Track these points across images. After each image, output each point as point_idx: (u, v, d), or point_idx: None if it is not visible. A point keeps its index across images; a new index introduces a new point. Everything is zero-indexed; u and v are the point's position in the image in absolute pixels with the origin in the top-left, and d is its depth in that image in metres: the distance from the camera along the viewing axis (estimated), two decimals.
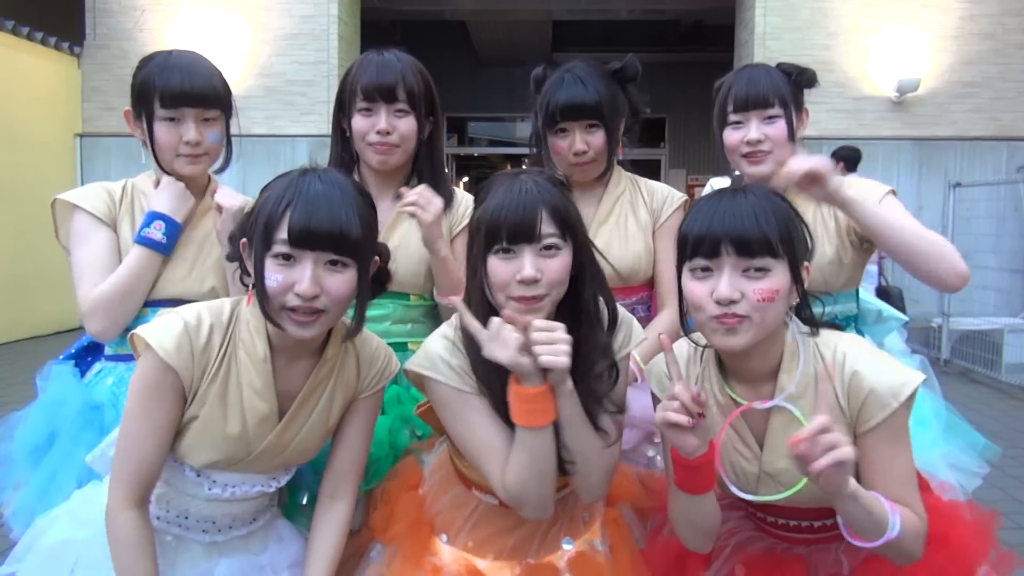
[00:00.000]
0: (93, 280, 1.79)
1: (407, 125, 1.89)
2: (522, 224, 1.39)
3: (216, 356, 1.42)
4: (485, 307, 1.45)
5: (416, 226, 1.93)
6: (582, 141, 1.98)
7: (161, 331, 1.39)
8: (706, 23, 11.25)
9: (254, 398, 1.44)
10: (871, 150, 8.29)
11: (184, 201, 1.85)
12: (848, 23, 8.24)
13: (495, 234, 1.41)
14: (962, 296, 7.69)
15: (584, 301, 1.48)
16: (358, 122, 1.89)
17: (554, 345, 1.33)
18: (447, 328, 1.54)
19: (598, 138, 1.99)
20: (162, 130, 1.83)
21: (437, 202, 1.80)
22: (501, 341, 1.34)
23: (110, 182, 1.93)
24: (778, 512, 1.55)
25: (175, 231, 1.84)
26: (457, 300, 1.48)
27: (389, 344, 1.64)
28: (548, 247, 1.41)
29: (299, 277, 1.34)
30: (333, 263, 1.37)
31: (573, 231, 1.44)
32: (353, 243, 1.37)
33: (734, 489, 1.47)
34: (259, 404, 1.44)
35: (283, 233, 1.34)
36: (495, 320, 1.37)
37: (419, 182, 1.97)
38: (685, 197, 2.15)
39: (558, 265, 1.42)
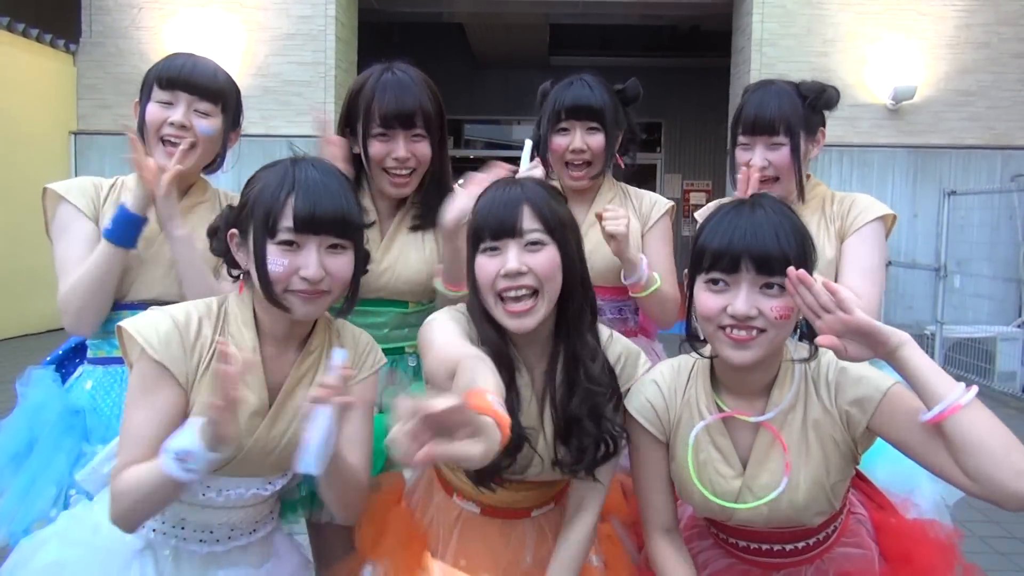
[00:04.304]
0: (66, 271, 1.77)
1: (423, 150, 1.89)
2: (505, 220, 1.42)
3: (209, 349, 1.43)
4: (482, 311, 1.48)
5: (416, 238, 1.94)
6: (581, 140, 2.06)
7: (148, 329, 1.39)
8: (703, 28, 11.26)
9: (244, 390, 1.43)
10: (867, 157, 8.33)
11: (143, 194, 1.75)
12: (845, 30, 8.27)
13: (480, 233, 1.44)
14: (956, 304, 7.73)
15: (572, 307, 1.49)
16: (375, 148, 1.86)
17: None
18: (453, 308, 1.55)
19: (597, 140, 2.06)
20: (153, 108, 1.82)
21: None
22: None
23: (101, 177, 1.92)
24: (751, 536, 1.54)
25: (126, 221, 1.74)
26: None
27: (386, 349, 1.62)
28: (533, 243, 1.43)
29: (304, 262, 1.38)
30: (333, 246, 1.42)
31: (559, 231, 1.45)
32: (354, 226, 1.43)
33: (714, 499, 1.46)
34: (249, 396, 1.44)
35: (287, 220, 1.37)
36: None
37: (423, 198, 1.96)
38: (672, 204, 2.22)
39: (544, 259, 1.43)
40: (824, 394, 1.43)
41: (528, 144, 1.96)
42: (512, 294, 1.42)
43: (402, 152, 1.85)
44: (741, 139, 2.00)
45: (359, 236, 1.47)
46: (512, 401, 1.44)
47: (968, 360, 6.97)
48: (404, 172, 1.88)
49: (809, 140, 2.00)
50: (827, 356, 1.45)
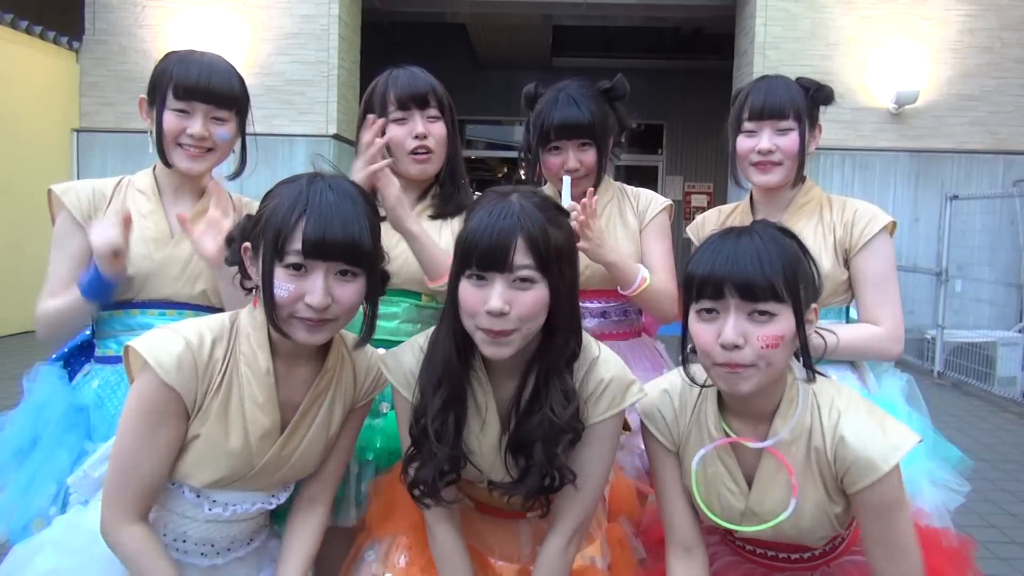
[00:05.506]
0: (50, 289, 1.80)
1: (440, 130, 1.95)
2: (494, 251, 1.30)
3: (219, 371, 1.39)
4: (458, 327, 1.39)
5: (435, 227, 1.94)
6: (575, 159, 2.05)
7: (160, 349, 1.35)
8: (706, 31, 11.26)
9: (257, 412, 1.41)
10: (869, 161, 8.33)
11: (109, 248, 1.67)
12: (848, 34, 8.27)
13: (468, 257, 1.33)
14: (956, 309, 7.73)
15: (556, 341, 1.39)
16: (395, 131, 1.92)
17: None
18: (423, 339, 1.51)
19: (590, 156, 2.06)
20: (170, 118, 1.80)
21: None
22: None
23: (104, 179, 1.91)
24: (758, 543, 1.55)
25: (97, 281, 1.72)
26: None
27: (395, 342, 1.61)
28: (522, 279, 1.31)
29: (310, 288, 1.33)
30: (343, 272, 1.37)
31: (552, 266, 1.33)
32: (365, 253, 1.37)
33: (719, 521, 1.46)
34: (262, 418, 1.42)
35: (296, 244, 1.32)
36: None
37: (441, 189, 2.01)
38: (669, 202, 2.21)
39: (530, 300, 1.32)
40: (828, 446, 1.39)
41: (567, 180, 1.98)
42: (496, 328, 1.32)
43: (420, 128, 1.92)
44: (747, 125, 1.99)
45: (372, 262, 1.40)
46: (459, 419, 1.43)
47: (968, 365, 6.95)
48: (424, 152, 1.93)
49: (810, 131, 2.02)
50: (838, 403, 1.41)
